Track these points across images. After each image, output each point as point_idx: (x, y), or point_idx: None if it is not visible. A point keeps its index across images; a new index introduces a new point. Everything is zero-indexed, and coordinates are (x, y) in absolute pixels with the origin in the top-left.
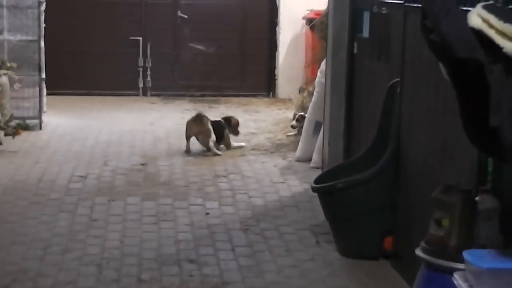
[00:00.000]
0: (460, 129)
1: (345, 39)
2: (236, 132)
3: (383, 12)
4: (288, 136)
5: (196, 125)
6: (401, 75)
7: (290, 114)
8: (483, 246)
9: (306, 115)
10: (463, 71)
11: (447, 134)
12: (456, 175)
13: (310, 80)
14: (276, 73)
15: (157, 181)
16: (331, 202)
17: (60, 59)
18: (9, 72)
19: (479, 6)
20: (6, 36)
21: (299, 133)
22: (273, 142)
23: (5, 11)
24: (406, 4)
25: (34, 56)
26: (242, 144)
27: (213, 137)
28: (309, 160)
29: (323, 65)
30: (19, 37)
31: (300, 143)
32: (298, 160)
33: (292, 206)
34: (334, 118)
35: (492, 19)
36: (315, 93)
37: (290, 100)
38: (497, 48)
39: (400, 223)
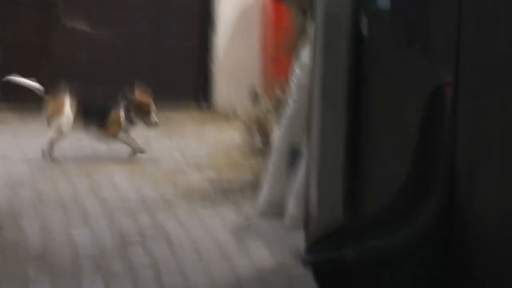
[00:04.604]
0: None
1: (347, 14)
2: (144, 118)
3: None
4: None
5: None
6: (456, 74)
7: (238, 137)
8: None
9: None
10: None
11: None
12: None
13: (272, 80)
14: (211, 69)
15: (23, 255)
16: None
17: None
18: None
19: None
20: None
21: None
22: (216, 185)
23: None
24: None
25: None
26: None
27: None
28: (281, 212)
29: (304, 55)
30: None
31: (265, 185)
32: (262, 214)
33: None
34: (327, 145)
35: None
36: (290, 102)
37: (234, 114)
38: None
39: None
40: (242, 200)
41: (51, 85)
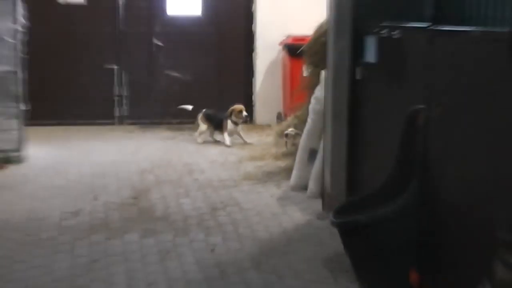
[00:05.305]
0: None
1: (347, 65)
2: (236, 119)
3: (394, 36)
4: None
5: None
6: (428, 102)
7: (271, 140)
8: None
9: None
10: None
11: (500, 167)
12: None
13: (290, 106)
14: (253, 99)
15: (153, 216)
16: (355, 239)
17: (35, 90)
18: None
19: None
20: None
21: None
22: (263, 170)
23: None
24: (432, 28)
25: (13, 88)
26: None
27: (201, 128)
28: (305, 188)
29: (318, 91)
30: None
31: (294, 171)
32: (293, 189)
33: (300, 241)
34: (336, 147)
35: None
36: (309, 120)
37: (269, 126)
38: None
39: (431, 263)
40: (280, 180)
41: (158, 113)
